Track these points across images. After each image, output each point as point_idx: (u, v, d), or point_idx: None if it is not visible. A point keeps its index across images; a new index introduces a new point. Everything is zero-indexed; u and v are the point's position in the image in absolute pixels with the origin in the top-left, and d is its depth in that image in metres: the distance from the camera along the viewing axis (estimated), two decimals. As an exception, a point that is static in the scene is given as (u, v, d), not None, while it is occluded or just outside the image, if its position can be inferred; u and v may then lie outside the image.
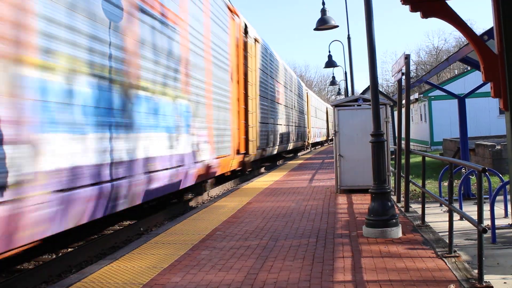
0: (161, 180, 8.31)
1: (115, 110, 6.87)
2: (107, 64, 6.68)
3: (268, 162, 22.65)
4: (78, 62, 6.01)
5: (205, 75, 11.15)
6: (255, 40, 17.01)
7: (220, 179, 15.25)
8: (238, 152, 14.24)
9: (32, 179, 5.06)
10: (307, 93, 35.61)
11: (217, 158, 11.88)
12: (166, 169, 8.59)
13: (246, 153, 15.24)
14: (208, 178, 11.93)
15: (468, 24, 5.02)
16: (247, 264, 5.42)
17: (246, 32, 15.67)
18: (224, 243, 6.49)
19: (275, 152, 21.12)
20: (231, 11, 13.84)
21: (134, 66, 7.48)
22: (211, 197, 13.36)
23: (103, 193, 6.44)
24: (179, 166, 9.22)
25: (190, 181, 9.92)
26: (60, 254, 7.60)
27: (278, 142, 21.52)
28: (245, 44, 15.59)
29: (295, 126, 28.22)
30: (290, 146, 26.07)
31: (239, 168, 15.04)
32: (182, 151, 9.39)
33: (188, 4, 10.01)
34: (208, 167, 11.16)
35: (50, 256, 7.51)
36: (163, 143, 8.53)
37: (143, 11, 7.81)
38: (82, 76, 6.07)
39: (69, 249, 7.86)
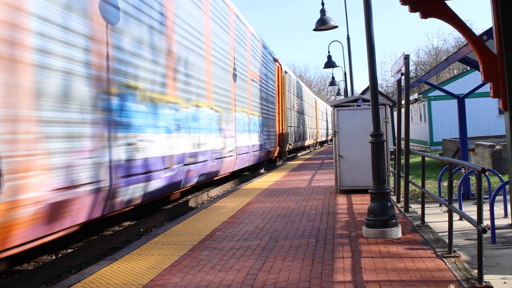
0: (244, 159, 15.67)
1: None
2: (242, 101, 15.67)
3: (293, 153, 31.73)
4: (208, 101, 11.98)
5: (275, 103, 22.10)
6: (285, 71, 25.72)
7: (221, 180, 15.27)
8: (278, 145, 22.60)
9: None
10: (315, 100, 43.17)
11: (272, 148, 20.80)
12: (245, 153, 15.72)
13: (281, 146, 23.09)
14: (267, 159, 20.92)
15: (468, 24, 5.03)
16: (247, 265, 5.42)
17: (280, 68, 24.01)
18: (224, 244, 6.49)
19: (298, 146, 30.14)
20: (275, 60, 23.17)
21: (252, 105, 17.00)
22: (211, 198, 13.36)
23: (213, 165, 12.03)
24: (257, 151, 17.63)
25: (261, 159, 18.86)
26: (60, 255, 7.59)
27: (298, 139, 30.20)
28: (279, 75, 23.57)
29: (309, 128, 37.01)
30: (305, 142, 34.71)
31: (277, 155, 23.13)
32: (258, 143, 17.78)
33: (261, 67, 19.31)
34: (268, 152, 20.13)
35: (49, 257, 7.50)
36: (246, 139, 15.99)
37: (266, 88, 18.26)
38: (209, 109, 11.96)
39: (69, 250, 7.85)
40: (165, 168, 8.79)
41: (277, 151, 22.44)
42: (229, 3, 14.53)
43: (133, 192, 7.67)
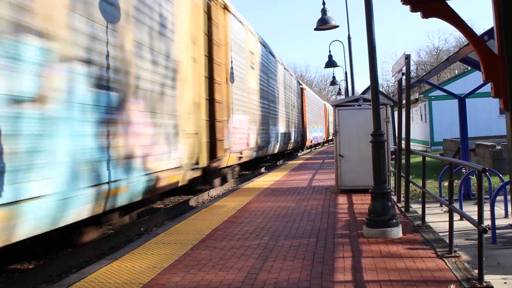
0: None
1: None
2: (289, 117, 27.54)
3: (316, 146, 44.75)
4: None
5: (302, 114, 34.06)
6: (302, 88, 34.72)
7: (222, 180, 15.26)
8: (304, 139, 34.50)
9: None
10: (324, 105, 52.35)
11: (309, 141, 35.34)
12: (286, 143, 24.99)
13: (305, 140, 34.91)
14: (304, 148, 35.08)
15: (469, 24, 5.03)
16: (248, 264, 5.42)
17: (304, 89, 35.19)
18: (225, 243, 6.49)
19: (316, 142, 43.43)
20: (302, 88, 33.97)
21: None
22: (211, 197, 13.36)
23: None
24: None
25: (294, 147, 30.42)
26: (60, 254, 7.60)
27: (316, 136, 43.54)
28: (303, 95, 34.28)
29: (323, 127, 49.67)
30: (318, 140, 45.69)
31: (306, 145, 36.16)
32: (294, 139, 27.63)
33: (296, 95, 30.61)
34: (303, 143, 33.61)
35: (50, 256, 7.51)
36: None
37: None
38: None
39: (69, 249, 7.86)
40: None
41: (305, 143, 35.65)
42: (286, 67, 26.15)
43: None
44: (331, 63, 23.59)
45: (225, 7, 13.27)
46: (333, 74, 37.16)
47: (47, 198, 5.30)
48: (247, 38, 16.01)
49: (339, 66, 26.49)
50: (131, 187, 7.34)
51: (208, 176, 11.65)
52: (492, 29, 4.99)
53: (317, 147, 44.69)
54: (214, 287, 4.70)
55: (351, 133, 10.88)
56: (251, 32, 16.80)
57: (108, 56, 6.79)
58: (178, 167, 9.24)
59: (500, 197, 8.49)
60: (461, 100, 10.96)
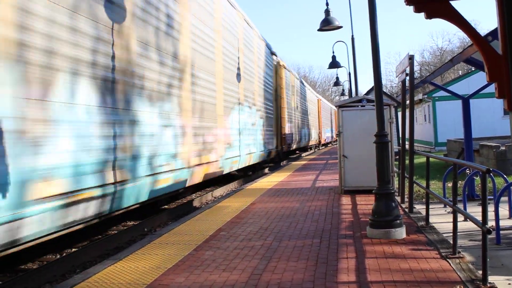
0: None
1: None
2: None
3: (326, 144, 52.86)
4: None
5: (317, 118, 43.32)
6: (319, 100, 44.72)
7: (223, 180, 15.27)
8: (319, 139, 43.40)
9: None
10: (331, 108, 58.11)
11: (323, 139, 46.62)
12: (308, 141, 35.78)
13: (320, 139, 44.45)
14: (320, 144, 44.55)
15: (473, 24, 5.01)
16: (251, 265, 5.43)
17: (320, 100, 45.83)
18: (228, 244, 6.50)
19: (328, 140, 53.19)
20: (318, 99, 45.26)
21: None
22: (215, 198, 13.37)
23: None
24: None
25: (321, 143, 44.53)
26: (64, 254, 7.62)
27: (328, 136, 53.20)
28: (319, 104, 43.86)
29: (333, 128, 58.09)
30: (330, 139, 55.24)
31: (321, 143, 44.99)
32: (314, 138, 38.86)
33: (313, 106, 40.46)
34: (320, 140, 44.03)
35: (54, 256, 7.53)
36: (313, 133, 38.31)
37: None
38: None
39: (73, 249, 7.88)
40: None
41: (320, 141, 44.48)
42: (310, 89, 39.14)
43: None
44: (334, 64, 23.57)
45: (283, 66, 24.06)
46: (337, 74, 37.13)
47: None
48: (292, 79, 27.75)
49: (342, 66, 26.48)
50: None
51: (278, 155, 22.86)
52: (496, 29, 4.98)
53: (321, 148, 45.23)
54: (217, 287, 4.70)
55: (355, 134, 10.87)
56: (294, 75, 29.06)
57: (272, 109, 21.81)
58: (276, 147, 21.86)
59: (504, 198, 8.46)
60: (465, 101, 10.94)
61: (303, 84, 32.86)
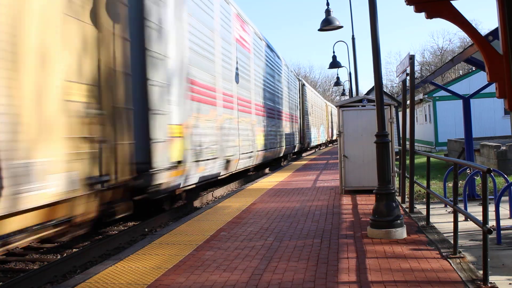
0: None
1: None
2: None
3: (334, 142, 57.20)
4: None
5: (325, 121, 49.66)
6: (326, 104, 50.97)
7: (224, 180, 15.28)
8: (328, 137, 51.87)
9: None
10: (331, 110, 61.21)
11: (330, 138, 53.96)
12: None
13: (329, 138, 53.35)
14: (328, 143, 52.65)
15: (473, 24, 5.01)
16: (252, 265, 5.43)
17: (327, 105, 51.57)
18: (229, 244, 6.50)
19: (335, 138, 52.93)
20: (326, 104, 51.47)
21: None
22: (216, 198, 13.37)
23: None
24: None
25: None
26: (65, 254, 7.62)
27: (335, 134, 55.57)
28: (327, 108, 50.04)
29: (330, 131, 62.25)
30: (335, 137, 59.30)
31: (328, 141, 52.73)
32: (326, 136, 48.17)
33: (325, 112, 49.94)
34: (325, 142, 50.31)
35: (55, 257, 7.53)
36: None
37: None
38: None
39: (74, 250, 7.88)
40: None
41: (328, 140, 51.30)
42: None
43: None
44: (335, 64, 23.55)
45: (304, 85, 32.21)
46: (337, 74, 37.26)
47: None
48: (310, 94, 36.53)
49: (343, 66, 26.48)
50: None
51: (301, 149, 31.61)
52: (496, 29, 4.97)
53: (321, 148, 45.54)
54: (218, 287, 4.70)
55: (355, 133, 10.87)
56: (313, 92, 40.15)
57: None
58: (300, 143, 29.93)
59: (505, 198, 8.45)
60: (466, 101, 10.92)
61: (320, 98, 44.62)
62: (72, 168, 6.14)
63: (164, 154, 8.55)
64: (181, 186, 9.52)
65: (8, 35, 5.21)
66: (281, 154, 22.71)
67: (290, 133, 25.54)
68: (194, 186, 10.53)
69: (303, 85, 31.57)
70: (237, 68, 14.25)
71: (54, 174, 5.76)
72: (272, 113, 20.36)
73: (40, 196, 5.51)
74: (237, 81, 14.21)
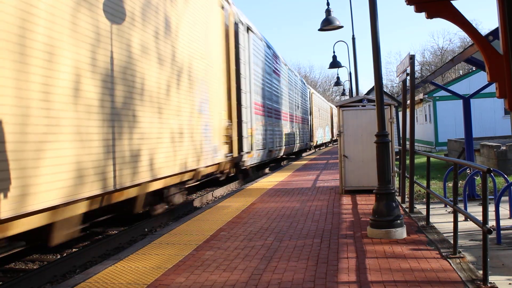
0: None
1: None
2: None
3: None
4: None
5: (329, 121, 54.04)
6: (331, 107, 55.54)
7: (223, 180, 15.28)
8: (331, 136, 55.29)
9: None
10: (330, 108, 64.17)
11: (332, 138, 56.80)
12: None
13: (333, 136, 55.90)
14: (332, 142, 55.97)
15: (474, 24, 5.01)
16: (252, 265, 5.43)
17: (332, 108, 55.92)
18: (229, 244, 6.50)
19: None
20: (331, 107, 55.76)
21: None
22: (215, 198, 13.38)
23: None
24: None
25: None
26: (65, 254, 7.63)
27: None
28: (332, 110, 54.59)
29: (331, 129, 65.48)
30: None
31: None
32: (328, 136, 50.65)
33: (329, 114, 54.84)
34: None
35: (54, 256, 7.53)
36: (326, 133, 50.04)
37: None
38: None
39: (74, 250, 7.88)
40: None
41: (332, 139, 54.39)
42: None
43: None
44: (335, 64, 23.53)
45: (313, 93, 37.68)
46: (337, 74, 37.26)
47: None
48: (318, 99, 40.89)
49: (343, 66, 26.46)
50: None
51: (311, 147, 36.93)
52: (497, 29, 4.97)
53: (321, 148, 45.92)
54: (218, 287, 4.70)
55: (356, 133, 10.87)
56: (320, 97, 44.00)
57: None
58: (311, 141, 35.50)
59: (505, 198, 8.46)
60: (466, 101, 10.92)
61: (322, 99, 47.35)
62: (223, 149, 12.88)
63: (246, 145, 14.95)
64: (249, 164, 15.85)
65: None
66: (297, 150, 28.41)
67: (304, 132, 31.43)
68: (254, 164, 16.92)
69: (312, 93, 38.08)
70: (273, 90, 20.38)
71: (220, 150, 12.56)
72: (292, 118, 26.14)
73: (219, 159, 12.43)
74: (273, 99, 20.32)
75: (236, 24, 14.28)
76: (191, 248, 6.33)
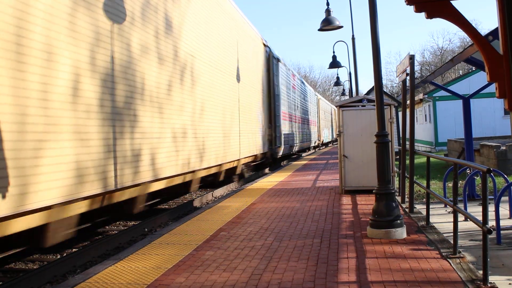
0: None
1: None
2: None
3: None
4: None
5: (332, 122, 59.55)
6: (333, 109, 58.88)
7: (223, 181, 15.29)
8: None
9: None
10: (332, 109, 67.67)
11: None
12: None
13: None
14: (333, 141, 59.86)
15: (474, 24, 5.01)
16: (252, 265, 5.43)
17: (334, 110, 58.97)
18: (229, 244, 6.50)
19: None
20: (332, 109, 59.37)
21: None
22: (215, 198, 13.38)
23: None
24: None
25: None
26: (65, 254, 7.63)
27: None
28: (333, 111, 57.92)
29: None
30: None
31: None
32: (332, 136, 57.50)
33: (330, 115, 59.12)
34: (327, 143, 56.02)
35: (54, 256, 7.54)
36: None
37: None
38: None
39: (74, 250, 7.88)
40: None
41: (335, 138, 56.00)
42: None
43: None
44: (335, 64, 23.52)
45: (320, 99, 45.10)
46: (337, 74, 37.24)
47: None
48: (323, 103, 47.24)
49: (343, 66, 26.46)
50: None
51: (318, 145, 42.69)
52: (496, 29, 4.97)
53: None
54: (218, 287, 4.70)
55: (355, 133, 10.87)
56: (325, 102, 51.30)
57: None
58: (317, 139, 40.87)
59: (504, 198, 8.46)
60: (466, 101, 10.93)
61: (326, 102, 53.03)
62: (267, 143, 20.15)
63: (278, 141, 21.02)
64: (280, 154, 22.16)
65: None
66: (308, 146, 34.30)
67: (313, 132, 37.33)
68: (282, 156, 23.60)
69: (319, 99, 43.84)
70: (291, 100, 25.85)
71: (266, 144, 19.85)
72: (304, 121, 31.54)
73: (266, 149, 19.93)
74: (291, 107, 25.81)
75: (272, 58, 21.16)
76: (191, 248, 6.33)
